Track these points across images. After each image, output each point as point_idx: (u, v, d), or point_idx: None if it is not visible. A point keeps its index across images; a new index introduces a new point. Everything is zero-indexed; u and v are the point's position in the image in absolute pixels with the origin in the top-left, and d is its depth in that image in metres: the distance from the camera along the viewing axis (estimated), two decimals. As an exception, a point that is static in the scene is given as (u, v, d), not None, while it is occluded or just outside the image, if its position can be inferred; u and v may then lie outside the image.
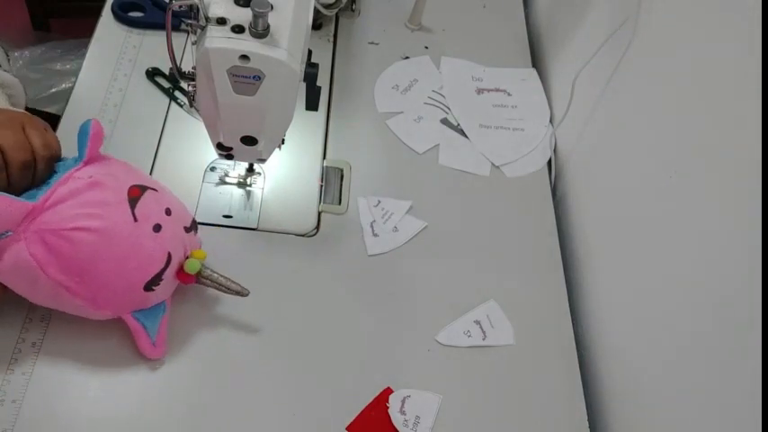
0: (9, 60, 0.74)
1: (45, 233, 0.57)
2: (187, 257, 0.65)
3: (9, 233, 0.56)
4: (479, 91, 0.95)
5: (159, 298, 0.64)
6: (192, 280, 0.65)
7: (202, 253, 0.66)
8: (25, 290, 0.60)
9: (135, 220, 0.60)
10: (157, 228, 0.61)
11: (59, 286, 0.58)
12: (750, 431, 0.51)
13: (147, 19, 0.90)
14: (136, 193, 0.61)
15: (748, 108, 0.55)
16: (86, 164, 0.61)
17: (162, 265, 0.62)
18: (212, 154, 0.72)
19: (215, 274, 0.66)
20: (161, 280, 0.62)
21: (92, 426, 0.61)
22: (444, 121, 0.91)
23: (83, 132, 0.61)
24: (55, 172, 0.62)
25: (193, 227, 0.67)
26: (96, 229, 0.58)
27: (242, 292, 0.66)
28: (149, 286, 0.61)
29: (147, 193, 0.62)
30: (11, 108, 0.64)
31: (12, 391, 0.61)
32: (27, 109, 0.69)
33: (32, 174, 0.60)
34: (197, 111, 0.68)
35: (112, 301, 0.61)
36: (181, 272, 0.64)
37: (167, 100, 0.84)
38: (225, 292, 0.66)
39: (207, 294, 0.69)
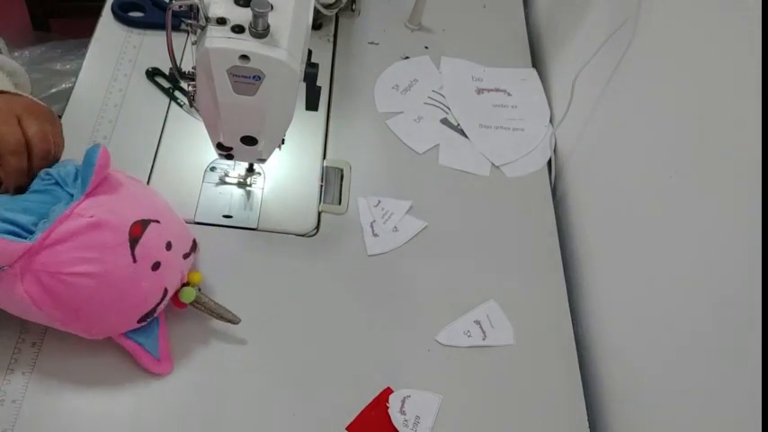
0: (10, 55, 0.74)
1: (42, 274, 0.55)
2: (184, 284, 0.65)
3: (5, 268, 0.55)
4: (479, 91, 0.95)
5: (150, 321, 0.64)
6: (185, 307, 0.66)
7: (199, 276, 0.66)
8: (18, 314, 0.60)
9: (134, 261, 0.58)
10: (156, 266, 0.60)
11: (53, 319, 0.59)
12: (750, 431, 0.51)
13: (147, 19, 0.90)
14: (137, 232, 0.59)
15: (748, 108, 0.55)
16: (88, 196, 0.58)
17: (158, 301, 0.62)
18: (212, 154, 0.72)
19: (210, 302, 0.66)
20: (155, 312, 0.62)
21: (92, 425, 0.61)
22: (444, 121, 0.91)
23: (89, 161, 0.57)
24: (49, 175, 0.61)
25: (193, 249, 0.67)
26: (94, 275, 0.56)
27: (233, 320, 0.66)
28: (145, 318, 0.62)
29: (150, 229, 0.60)
30: (17, 92, 0.64)
31: (12, 391, 0.61)
32: None
33: (27, 166, 0.60)
34: (197, 111, 0.68)
35: (106, 330, 0.62)
36: (175, 298, 0.65)
37: (167, 100, 0.84)
38: (217, 318, 0.66)
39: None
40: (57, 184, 0.60)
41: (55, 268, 0.55)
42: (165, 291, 0.62)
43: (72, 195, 0.59)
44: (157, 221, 0.61)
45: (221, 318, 0.66)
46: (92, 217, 0.57)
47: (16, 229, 0.56)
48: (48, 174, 0.61)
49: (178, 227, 0.66)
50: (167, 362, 0.64)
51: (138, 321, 0.62)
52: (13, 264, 0.55)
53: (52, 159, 0.63)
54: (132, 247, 0.58)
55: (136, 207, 0.61)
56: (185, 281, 0.65)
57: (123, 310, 0.60)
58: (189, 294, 0.64)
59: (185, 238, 0.66)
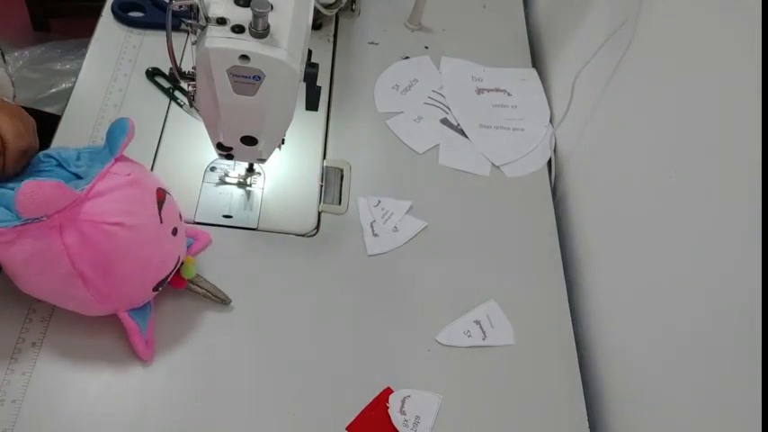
0: (4, 58, 0.74)
1: (84, 224, 0.57)
2: (182, 263, 0.66)
3: (43, 218, 0.56)
4: (479, 91, 0.95)
5: (149, 297, 0.65)
6: (184, 284, 0.67)
7: (192, 259, 0.68)
8: (27, 278, 0.59)
9: (161, 221, 0.62)
10: (175, 231, 0.64)
11: (77, 277, 0.58)
12: (750, 431, 0.51)
13: (147, 19, 0.90)
14: (161, 196, 0.63)
15: (748, 108, 0.55)
16: (116, 161, 0.61)
17: (173, 268, 0.64)
18: (212, 154, 0.72)
19: (206, 282, 0.68)
20: (165, 282, 0.64)
21: (92, 425, 0.61)
22: (444, 121, 0.91)
23: (119, 129, 0.61)
24: (49, 157, 0.62)
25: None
26: (131, 227, 0.59)
27: (225, 300, 0.69)
28: (158, 287, 0.63)
29: (168, 198, 0.64)
30: None
31: (12, 391, 0.61)
32: (27, 110, 0.69)
33: (2, 163, 0.60)
34: (197, 111, 0.68)
35: (121, 297, 0.62)
36: (176, 275, 0.65)
37: (167, 100, 0.84)
38: (211, 299, 0.68)
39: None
40: (59, 165, 0.62)
41: (98, 218, 0.57)
42: (178, 260, 0.64)
43: (76, 175, 0.61)
44: (170, 195, 0.64)
45: (216, 297, 0.68)
46: (128, 175, 0.61)
47: None
48: (48, 156, 0.62)
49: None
50: (151, 348, 0.65)
51: (153, 290, 0.63)
52: (51, 215, 0.56)
53: (28, 158, 0.63)
54: (159, 208, 0.62)
55: (154, 177, 0.65)
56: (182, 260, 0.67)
57: (147, 271, 0.61)
58: (190, 269, 0.66)
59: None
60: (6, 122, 0.60)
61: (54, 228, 0.56)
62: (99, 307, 0.62)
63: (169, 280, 0.65)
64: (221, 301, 0.69)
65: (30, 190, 0.53)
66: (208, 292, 0.68)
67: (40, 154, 0.63)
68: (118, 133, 0.61)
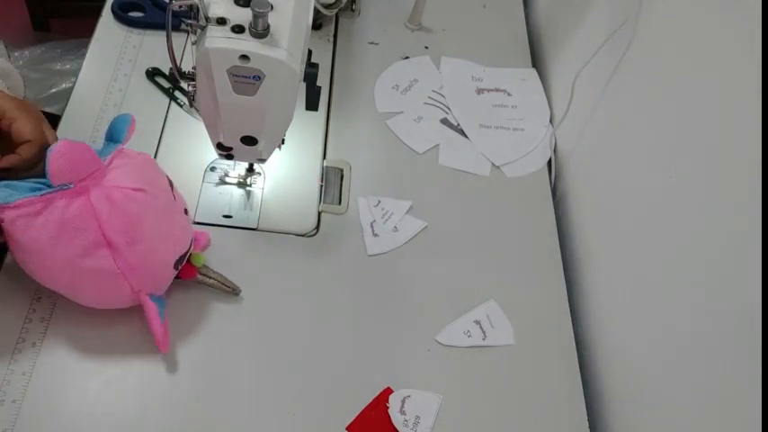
0: (9, 56, 0.74)
1: (113, 189, 0.58)
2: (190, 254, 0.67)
3: (70, 185, 0.56)
4: (479, 91, 0.95)
5: (166, 286, 0.66)
6: (195, 273, 0.67)
7: (198, 252, 0.69)
8: (50, 254, 0.58)
9: (174, 198, 0.64)
10: (186, 211, 0.66)
11: (105, 246, 0.58)
12: (750, 431, 0.51)
13: (147, 19, 0.90)
14: (170, 181, 0.65)
15: (748, 108, 0.55)
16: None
17: (188, 246, 0.65)
18: (212, 154, 0.72)
19: (215, 272, 0.69)
20: (183, 263, 0.65)
21: (92, 425, 0.61)
22: (444, 121, 0.91)
23: (122, 121, 0.63)
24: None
25: None
26: (151, 194, 0.61)
27: (235, 290, 0.69)
28: (177, 265, 0.64)
29: (174, 186, 0.66)
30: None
31: (12, 391, 0.61)
32: None
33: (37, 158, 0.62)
34: (197, 111, 0.68)
35: (147, 270, 0.62)
36: (186, 264, 0.66)
37: (167, 100, 0.84)
38: (221, 288, 0.69)
39: (206, 295, 0.69)
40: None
41: (122, 183, 0.59)
42: (191, 242, 0.66)
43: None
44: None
45: (225, 287, 0.69)
46: (141, 155, 0.63)
47: (43, 186, 0.58)
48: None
49: None
50: (168, 339, 0.65)
51: (174, 267, 0.64)
52: (79, 182, 0.57)
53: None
54: (171, 188, 0.65)
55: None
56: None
57: (169, 241, 0.63)
58: (199, 257, 0.68)
59: None
60: (25, 119, 0.61)
61: (82, 193, 0.57)
62: (122, 285, 0.61)
63: (179, 270, 0.65)
64: (231, 290, 0.69)
65: (63, 149, 0.55)
66: (217, 281, 0.69)
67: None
68: (122, 124, 0.63)
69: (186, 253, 0.65)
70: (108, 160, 0.60)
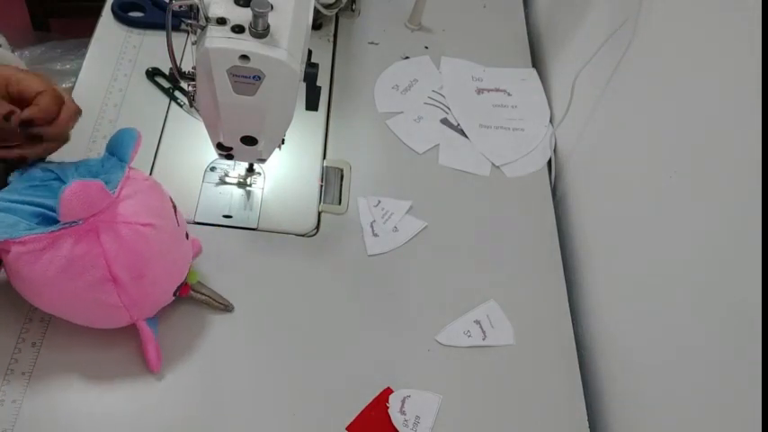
0: (13, 50, 0.74)
1: (121, 225, 0.57)
2: None
3: (79, 222, 0.55)
4: (479, 91, 0.95)
5: (168, 302, 0.65)
6: (187, 291, 0.67)
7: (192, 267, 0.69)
8: (52, 288, 0.58)
9: (178, 224, 0.63)
10: (187, 236, 0.66)
11: (110, 282, 0.57)
12: (750, 431, 0.51)
13: (147, 19, 0.90)
14: (173, 202, 0.64)
15: (748, 108, 0.55)
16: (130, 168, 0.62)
17: (185, 274, 0.65)
18: (212, 154, 0.72)
19: (208, 289, 0.69)
20: (180, 289, 0.65)
21: (92, 425, 0.61)
22: (444, 121, 0.91)
23: (128, 136, 0.62)
24: (49, 171, 0.61)
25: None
26: (160, 227, 0.60)
27: (228, 307, 0.69)
28: (176, 292, 0.64)
29: (178, 207, 0.65)
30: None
31: (12, 391, 0.61)
32: None
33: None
34: (197, 111, 0.68)
35: (148, 303, 0.62)
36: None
37: (167, 100, 0.84)
38: (213, 305, 0.68)
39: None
40: (58, 179, 0.61)
41: (132, 218, 0.58)
42: (190, 264, 0.66)
43: None
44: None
45: (218, 304, 0.68)
46: (147, 180, 0.63)
47: (45, 212, 0.57)
48: (47, 170, 0.62)
49: None
50: (160, 360, 0.65)
51: (173, 294, 0.64)
52: (88, 218, 0.56)
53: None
54: (175, 212, 0.63)
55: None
56: None
57: (173, 272, 0.63)
58: (194, 274, 0.67)
59: None
60: (32, 77, 0.60)
61: (92, 231, 0.56)
62: (122, 315, 0.61)
63: None
64: (223, 307, 0.69)
65: (77, 189, 0.54)
66: (209, 298, 0.68)
67: (39, 167, 0.62)
68: (128, 140, 0.62)
69: (185, 276, 0.65)
70: (117, 191, 0.58)
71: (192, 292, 0.67)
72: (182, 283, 0.65)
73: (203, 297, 0.68)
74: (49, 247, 0.55)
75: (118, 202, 0.58)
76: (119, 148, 0.62)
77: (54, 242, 0.55)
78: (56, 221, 0.56)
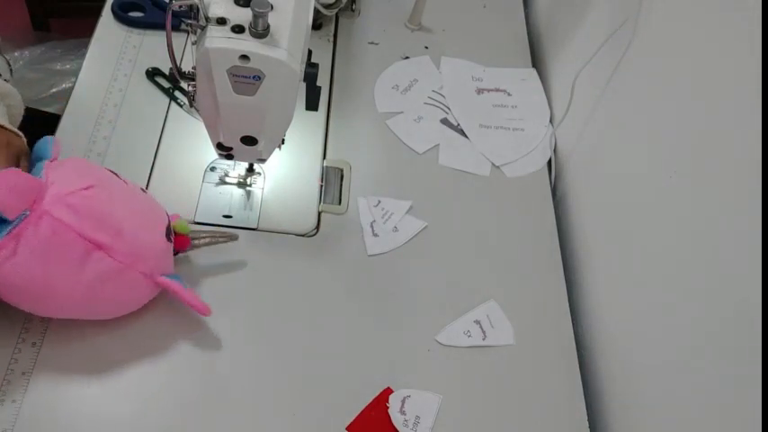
0: (11, 70, 0.73)
1: (67, 197, 0.57)
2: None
3: (26, 213, 0.55)
4: (479, 91, 0.95)
5: (173, 263, 0.66)
6: (187, 243, 0.67)
7: (179, 219, 0.68)
8: (51, 283, 0.57)
9: (126, 182, 0.63)
10: (144, 190, 0.66)
11: (96, 249, 0.57)
12: (750, 431, 0.51)
13: (147, 19, 0.90)
14: (111, 171, 0.64)
15: (748, 108, 0.55)
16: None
17: (167, 220, 0.65)
18: (212, 154, 0.72)
19: (205, 231, 0.70)
20: (172, 233, 0.65)
21: (92, 425, 0.61)
22: (444, 121, 0.91)
23: (45, 141, 0.63)
24: None
25: None
26: (103, 186, 0.60)
27: (232, 236, 0.71)
28: (168, 236, 0.64)
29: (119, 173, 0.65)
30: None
31: (12, 391, 0.61)
32: (27, 109, 0.69)
33: None
34: (197, 111, 0.68)
35: (149, 253, 0.61)
36: (176, 237, 0.66)
37: (167, 100, 0.84)
38: (218, 242, 0.70)
39: (206, 295, 0.69)
40: None
41: (72, 188, 0.58)
42: (167, 214, 0.66)
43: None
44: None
45: (222, 239, 0.70)
46: (69, 159, 0.62)
47: None
48: None
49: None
50: (205, 303, 0.65)
51: (167, 238, 0.64)
52: (33, 206, 0.55)
53: None
54: (116, 175, 0.63)
55: None
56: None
57: (148, 222, 0.62)
58: (184, 225, 0.67)
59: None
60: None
61: (44, 214, 0.56)
62: (136, 278, 0.60)
63: (174, 242, 0.65)
64: (228, 238, 0.70)
65: (1, 179, 0.54)
66: (212, 238, 0.69)
67: None
68: (45, 144, 0.62)
69: (169, 223, 0.65)
70: (44, 176, 0.58)
71: (193, 242, 0.68)
72: (169, 228, 0.64)
73: (206, 240, 0.69)
74: (17, 247, 0.55)
75: (49, 183, 0.58)
76: (40, 153, 0.62)
77: (18, 237, 0.55)
78: (4, 221, 0.55)
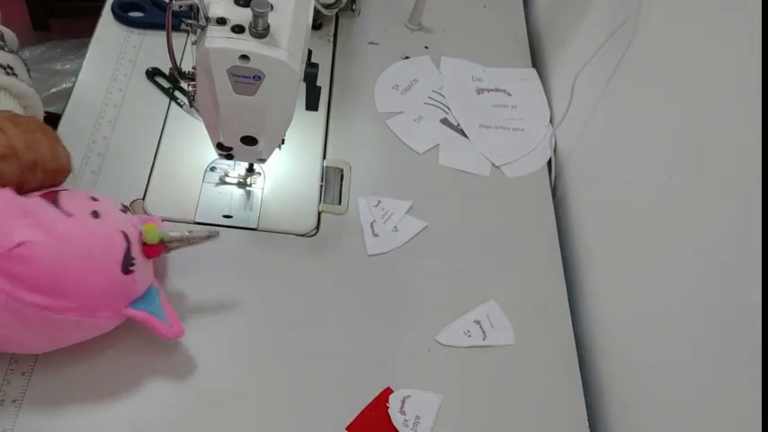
0: (29, 71, 0.72)
1: None
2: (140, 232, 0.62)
3: None
4: (479, 91, 0.95)
5: (144, 283, 0.62)
6: (160, 249, 0.63)
7: (152, 225, 0.63)
8: (20, 335, 0.57)
9: (69, 215, 0.57)
10: (96, 214, 0.59)
11: (43, 310, 0.54)
12: (750, 431, 0.51)
13: (147, 19, 0.90)
14: (51, 197, 0.58)
15: (748, 108, 0.55)
16: None
17: (124, 244, 0.59)
18: (212, 154, 0.72)
19: (178, 233, 0.64)
20: (133, 259, 0.59)
21: (92, 425, 0.61)
22: (444, 121, 0.91)
23: None
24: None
25: (127, 209, 0.65)
26: (40, 236, 0.54)
27: (212, 235, 0.65)
28: (126, 267, 0.59)
29: (62, 194, 0.59)
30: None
31: (12, 391, 0.61)
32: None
33: (18, 175, 0.57)
34: (197, 111, 0.68)
35: (102, 298, 0.58)
36: (145, 246, 0.62)
37: (167, 100, 0.84)
38: (197, 242, 0.65)
39: (206, 294, 0.69)
40: None
41: (3, 249, 0.52)
42: (125, 235, 0.59)
43: None
44: (66, 189, 0.60)
45: (200, 239, 0.64)
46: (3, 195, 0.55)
47: None
48: None
49: (96, 194, 0.63)
50: (178, 325, 0.63)
51: (124, 273, 0.58)
52: None
53: (44, 171, 0.60)
54: (57, 206, 0.57)
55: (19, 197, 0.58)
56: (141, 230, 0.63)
57: (97, 263, 0.57)
58: (151, 233, 0.62)
59: (111, 199, 0.64)
60: (18, 134, 0.57)
61: None
62: (98, 321, 0.59)
63: (143, 252, 0.61)
64: (207, 235, 0.64)
65: None
66: (188, 240, 0.64)
67: None
68: None
69: (129, 247, 0.59)
70: None
71: (167, 245, 0.64)
72: (127, 257, 0.59)
73: (180, 245, 0.64)
74: None
75: None
76: None
77: None
78: None
